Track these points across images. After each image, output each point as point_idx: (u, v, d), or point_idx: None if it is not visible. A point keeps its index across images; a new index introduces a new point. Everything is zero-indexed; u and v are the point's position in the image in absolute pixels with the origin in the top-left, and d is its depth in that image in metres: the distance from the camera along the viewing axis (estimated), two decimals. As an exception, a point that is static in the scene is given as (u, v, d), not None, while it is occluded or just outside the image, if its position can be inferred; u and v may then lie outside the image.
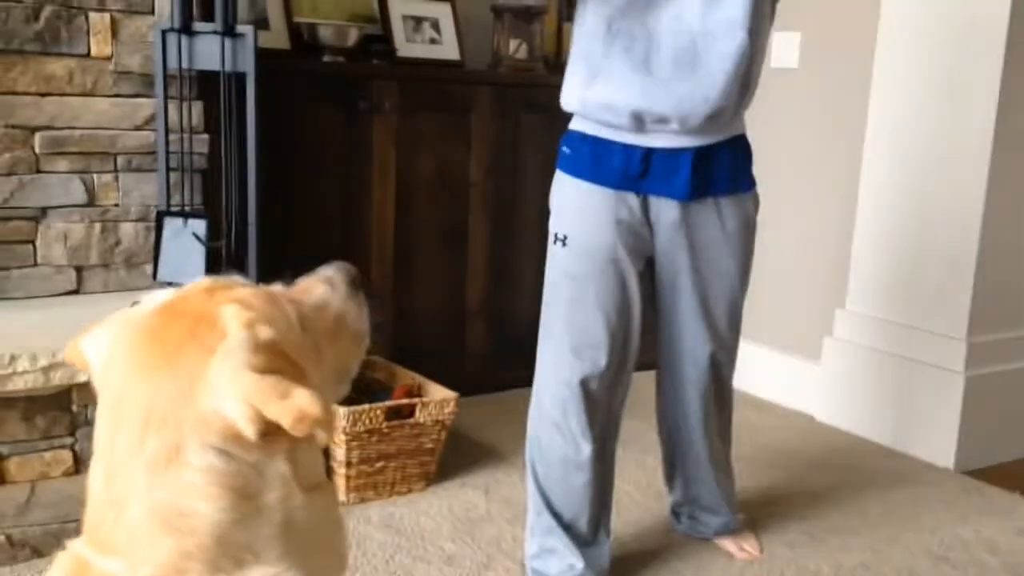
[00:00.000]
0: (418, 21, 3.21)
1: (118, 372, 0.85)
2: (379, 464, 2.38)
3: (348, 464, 2.34)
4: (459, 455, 2.65)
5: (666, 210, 1.90)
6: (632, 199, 1.89)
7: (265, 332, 0.83)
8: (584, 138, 1.91)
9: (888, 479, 2.71)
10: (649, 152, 1.86)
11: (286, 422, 0.78)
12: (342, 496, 2.36)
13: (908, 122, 2.88)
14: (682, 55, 1.76)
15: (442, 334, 3.12)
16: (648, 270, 1.97)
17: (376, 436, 2.35)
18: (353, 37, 2.93)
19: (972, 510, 2.53)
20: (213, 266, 2.40)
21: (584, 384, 1.91)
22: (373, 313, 1.02)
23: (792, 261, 3.27)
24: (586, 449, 1.93)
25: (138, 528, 0.81)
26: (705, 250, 1.95)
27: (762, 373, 3.34)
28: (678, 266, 1.95)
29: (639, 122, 1.83)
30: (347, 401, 2.40)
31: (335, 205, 2.88)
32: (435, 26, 3.24)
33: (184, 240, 2.37)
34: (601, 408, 1.95)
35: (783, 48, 3.22)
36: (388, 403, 2.40)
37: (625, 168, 1.87)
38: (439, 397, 2.46)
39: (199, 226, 2.37)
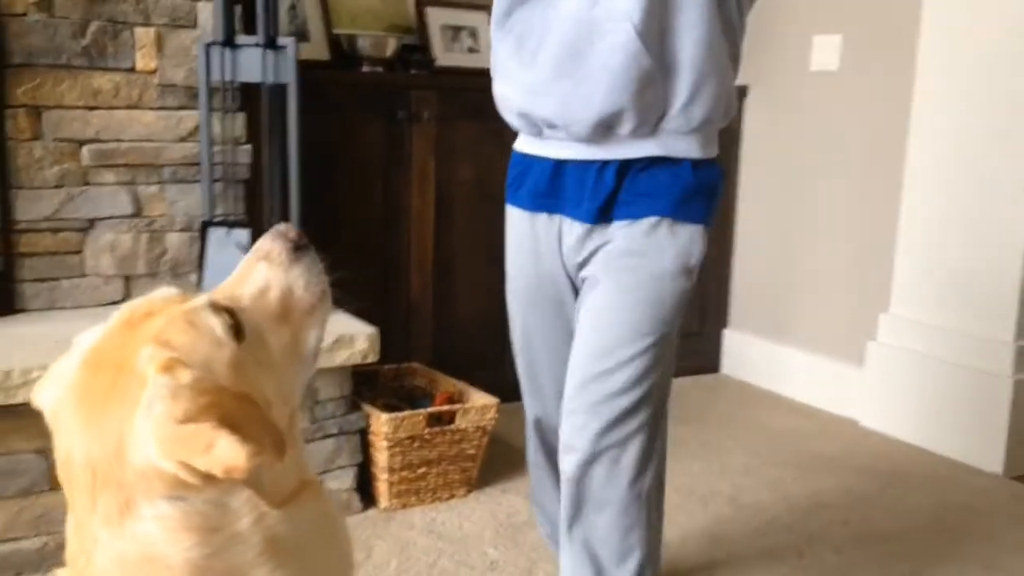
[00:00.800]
0: (456, 30, 3.23)
1: (61, 429, 0.84)
2: (421, 470, 2.39)
3: (390, 470, 2.35)
4: (500, 461, 2.65)
5: (570, 233, 1.63)
6: (544, 221, 1.66)
7: (184, 375, 0.78)
8: (513, 155, 1.74)
9: (936, 485, 2.67)
10: (558, 165, 1.63)
11: (217, 473, 0.75)
12: (384, 502, 2.38)
13: (951, 124, 2.85)
14: (565, 48, 1.51)
15: (482, 341, 3.13)
16: None
17: (418, 442, 2.36)
18: (391, 47, 2.96)
19: (1022, 516, 2.49)
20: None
21: (537, 424, 1.81)
22: (324, 270, 0.94)
23: (834, 264, 3.24)
24: (552, 486, 1.84)
25: (109, 574, 0.80)
26: (598, 287, 1.60)
27: (805, 378, 3.31)
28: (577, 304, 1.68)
29: (532, 126, 1.62)
30: (388, 407, 2.42)
31: (375, 213, 2.90)
32: (473, 35, 3.26)
33: (228, 250, 2.40)
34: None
35: (823, 51, 3.20)
36: (429, 409, 2.42)
37: (535, 185, 1.66)
38: (480, 403, 2.47)
39: (242, 236, 2.40)
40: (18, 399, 1.95)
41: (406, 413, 2.36)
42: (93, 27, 2.31)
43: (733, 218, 3.56)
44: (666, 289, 1.56)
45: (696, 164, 1.57)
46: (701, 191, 1.58)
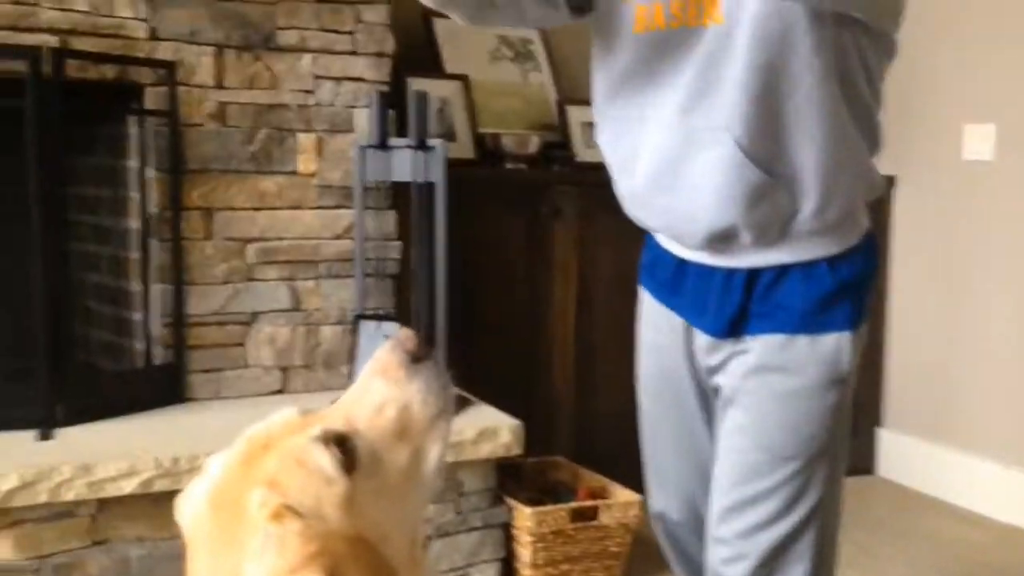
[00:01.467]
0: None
1: (191, 555, 0.85)
2: (564, 567, 2.38)
3: (534, 566, 2.34)
4: (645, 561, 2.60)
5: (701, 335, 1.45)
6: (672, 317, 1.48)
7: (292, 524, 0.78)
8: (647, 235, 1.56)
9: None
10: (681, 264, 1.45)
11: None
12: (527, 597, 2.36)
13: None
14: (661, 161, 1.34)
15: (624, 435, 3.09)
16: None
17: (561, 538, 2.35)
18: (534, 144, 3.05)
19: None
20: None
21: (660, 518, 1.63)
22: (447, 381, 0.89)
23: (1003, 363, 3.08)
24: None
25: None
26: (734, 407, 1.42)
27: (970, 482, 3.13)
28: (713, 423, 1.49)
29: (649, 229, 1.47)
30: (532, 501, 2.42)
31: (518, 306, 2.96)
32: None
33: (377, 342, 2.47)
34: (688, 558, 1.62)
35: (976, 140, 3.11)
36: (573, 504, 2.41)
37: (663, 276, 1.49)
38: (623, 499, 2.45)
39: (391, 328, 2.48)
40: (184, 485, 2.05)
41: (550, 508, 2.36)
42: (261, 134, 2.49)
43: (885, 311, 3.45)
44: (813, 407, 1.37)
45: (834, 262, 1.37)
46: (844, 292, 1.38)
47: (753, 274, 1.38)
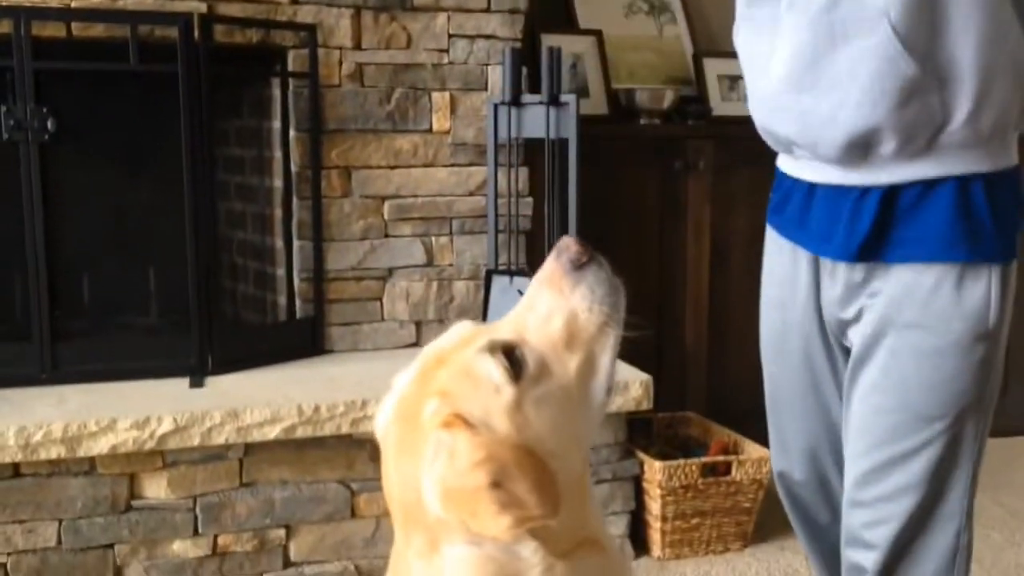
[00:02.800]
0: (733, 80, 3.22)
1: (384, 465, 0.91)
2: (694, 520, 2.37)
3: (663, 519, 2.35)
4: (778, 517, 2.56)
5: (833, 280, 1.36)
6: (802, 257, 1.39)
7: (461, 434, 0.81)
8: (776, 171, 1.48)
9: None
10: (811, 189, 1.35)
11: (496, 533, 0.79)
12: (657, 551, 2.38)
13: None
14: (800, 56, 1.23)
15: (757, 392, 3.04)
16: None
17: (691, 492, 2.35)
18: (669, 99, 3.01)
19: None
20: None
21: (781, 478, 1.57)
22: (612, 282, 0.86)
23: None
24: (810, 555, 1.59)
25: None
26: (870, 361, 1.33)
27: None
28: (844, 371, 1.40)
29: (779, 143, 1.37)
30: (662, 456, 2.43)
31: (651, 263, 2.94)
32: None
33: (510, 297, 2.52)
34: (810, 519, 1.56)
35: None
36: (704, 459, 2.40)
37: (793, 211, 1.40)
38: (756, 455, 2.42)
39: (524, 284, 2.51)
40: (325, 432, 2.15)
41: (680, 462, 2.35)
42: (397, 94, 2.54)
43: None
44: (959, 365, 1.27)
45: (989, 181, 1.25)
46: (999, 218, 1.25)
47: (893, 191, 1.26)
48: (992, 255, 1.25)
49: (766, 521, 2.50)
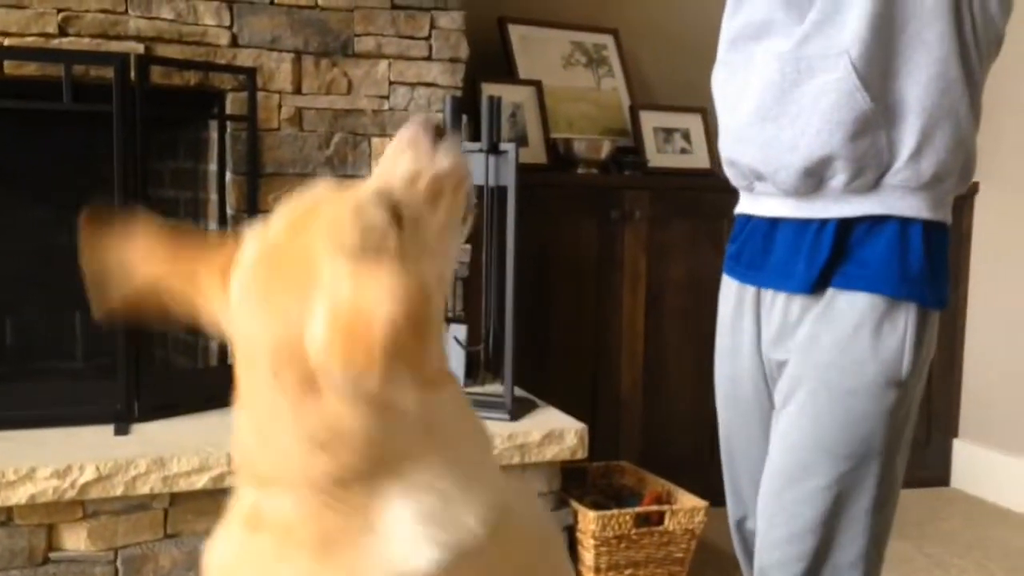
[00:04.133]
0: (669, 132, 3.29)
1: (243, 319, 0.90)
2: (627, 571, 2.37)
3: (597, 570, 2.34)
4: (709, 568, 2.58)
5: (769, 320, 1.44)
6: (750, 299, 1.47)
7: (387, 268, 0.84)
8: (735, 219, 1.58)
9: None
10: (771, 225, 1.44)
11: (375, 375, 0.79)
12: (590, 602, 2.36)
13: None
14: (769, 90, 1.37)
15: (691, 441, 3.08)
16: None
17: (625, 542, 2.35)
18: (606, 149, 3.05)
19: None
20: (471, 368, 2.53)
21: (738, 527, 1.60)
22: (462, 153, 0.97)
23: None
24: None
25: (292, 452, 0.86)
26: (790, 389, 1.41)
27: (1013, 484, 3.03)
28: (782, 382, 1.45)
29: (742, 178, 1.48)
30: (596, 505, 2.42)
31: (587, 310, 2.96)
32: (685, 136, 3.30)
33: (446, 343, 2.52)
34: None
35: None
36: (637, 509, 2.40)
37: (751, 251, 1.48)
38: (689, 505, 2.43)
39: (460, 331, 2.51)
40: (255, 480, 2.11)
41: (614, 512, 2.35)
42: (336, 139, 2.54)
43: (963, 321, 3.36)
44: (868, 408, 1.34)
45: (926, 228, 1.35)
46: (930, 263, 1.36)
47: (846, 225, 1.37)
48: (918, 295, 1.35)
49: (698, 572, 2.50)
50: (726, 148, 1.48)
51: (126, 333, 2.22)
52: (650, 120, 3.27)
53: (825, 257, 1.36)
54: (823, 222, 1.37)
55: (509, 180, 2.48)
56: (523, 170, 2.57)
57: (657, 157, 3.22)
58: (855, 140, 1.32)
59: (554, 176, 3.02)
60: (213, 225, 2.49)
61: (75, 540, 2.03)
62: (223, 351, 2.49)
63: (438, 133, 0.96)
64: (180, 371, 2.64)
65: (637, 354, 3.01)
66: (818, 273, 1.37)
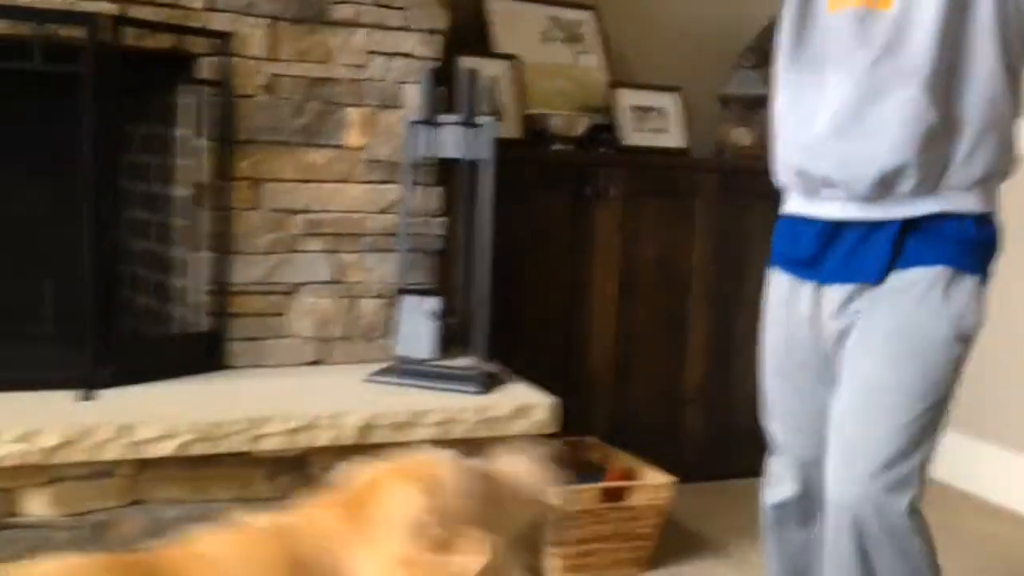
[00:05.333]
0: (645, 111, 3.29)
1: None
2: (593, 545, 2.39)
3: (562, 544, 2.36)
4: (674, 544, 2.61)
5: (831, 300, 1.63)
6: (807, 292, 1.66)
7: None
8: (781, 220, 1.78)
9: None
10: (834, 228, 1.62)
11: None
12: (556, 575, 2.38)
13: None
14: (846, 110, 1.55)
15: (660, 418, 3.11)
16: None
17: (590, 517, 2.36)
18: (581, 126, 3.05)
19: None
20: (443, 342, 2.53)
21: (782, 496, 1.81)
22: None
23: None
24: None
25: None
26: (855, 343, 1.60)
27: (1002, 478, 3.09)
28: (837, 368, 1.65)
29: (809, 184, 1.64)
30: (566, 481, 2.44)
31: (559, 286, 2.96)
32: (661, 115, 3.30)
33: (419, 317, 2.51)
34: (785, 541, 1.82)
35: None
36: (603, 484, 2.42)
37: (804, 251, 1.66)
38: (655, 481, 2.45)
39: (433, 303, 2.50)
40: (221, 449, 2.10)
41: (580, 486, 2.37)
42: (311, 107, 2.51)
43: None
44: (939, 357, 1.55)
45: (977, 219, 1.57)
46: (984, 247, 1.58)
47: (907, 224, 1.56)
48: (976, 269, 1.57)
49: (664, 548, 2.53)
50: (798, 160, 1.64)
51: (94, 299, 2.20)
52: (626, 98, 3.27)
53: (888, 252, 1.56)
54: (890, 222, 1.57)
55: (485, 154, 2.47)
56: (498, 145, 2.56)
57: (632, 136, 3.22)
58: (925, 152, 1.51)
59: (529, 152, 3.02)
60: (184, 191, 2.46)
61: (38, 505, 2.01)
62: (192, 320, 2.47)
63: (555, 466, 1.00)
64: (148, 339, 2.61)
65: (608, 331, 3.02)
66: (886, 267, 1.57)
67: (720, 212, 3.14)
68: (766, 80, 3.39)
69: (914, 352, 1.54)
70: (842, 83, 1.55)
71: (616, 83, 3.28)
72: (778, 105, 1.70)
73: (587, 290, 2.99)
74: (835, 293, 1.61)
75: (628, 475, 2.54)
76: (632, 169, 3.05)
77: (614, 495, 2.41)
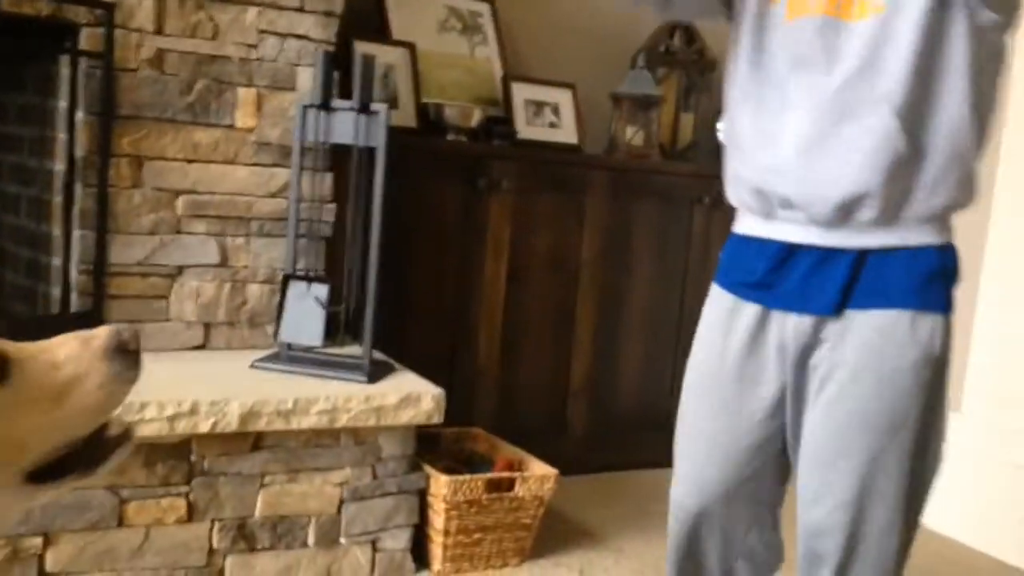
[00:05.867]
0: (539, 106, 3.31)
1: None
2: (476, 535, 2.40)
3: (446, 533, 2.36)
4: (555, 534, 2.64)
5: (792, 327, 1.55)
6: (751, 312, 1.58)
7: None
8: (731, 237, 1.68)
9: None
10: (788, 250, 1.54)
11: None
12: (437, 565, 2.39)
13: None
14: (812, 130, 1.47)
15: (545, 410, 3.14)
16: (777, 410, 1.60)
17: (475, 507, 2.38)
18: (476, 117, 3.05)
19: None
20: (331, 330, 2.50)
21: (691, 508, 1.68)
22: (129, 385, 0.89)
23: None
24: None
25: None
26: (832, 381, 1.52)
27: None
28: (804, 401, 1.57)
29: (765, 205, 1.55)
30: (448, 470, 2.44)
31: (449, 277, 2.96)
32: (555, 111, 3.34)
33: (306, 303, 2.47)
34: (696, 557, 1.69)
35: None
36: (489, 475, 2.43)
37: (752, 271, 1.58)
38: (539, 473, 2.48)
39: (321, 290, 2.47)
40: (97, 434, 2.03)
41: (466, 477, 2.38)
42: (199, 85, 2.44)
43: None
44: (907, 385, 1.48)
45: (939, 250, 1.51)
46: (944, 277, 1.51)
47: (862, 255, 1.49)
48: (938, 307, 1.51)
49: (544, 538, 2.57)
50: (755, 179, 1.55)
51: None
52: (521, 92, 3.28)
53: (843, 283, 1.49)
54: (844, 251, 1.49)
55: (379, 141, 2.45)
56: (392, 132, 2.54)
57: (526, 129, 3.24)
58: (890, 180, 1.45)
59: (423, 141, 3.00)
60: (60, 166, 2.36)
61: None
62: (67, 300, 2.37)
63: (124, 353, 0.88)
64: (18, 318, 2.50)
65: (496, 322, 3.04)
66: (841, 299, 1.49)
67: (610, 208, 3.19)
68: (658, 81, 3.48)
69: (881, 382, 1.48)
70: (806, 101, 1.47)
71: (512, 77, 3.29)
72: (735, 120, 1.60)
73: (477, 281, 3.00)
74: (791, 321, 1.53)
75: (514, 466, 2.56)
76: (526, 163, 3.07)
77: (500, 486, 2.42)
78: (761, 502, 1.64)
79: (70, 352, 0.86)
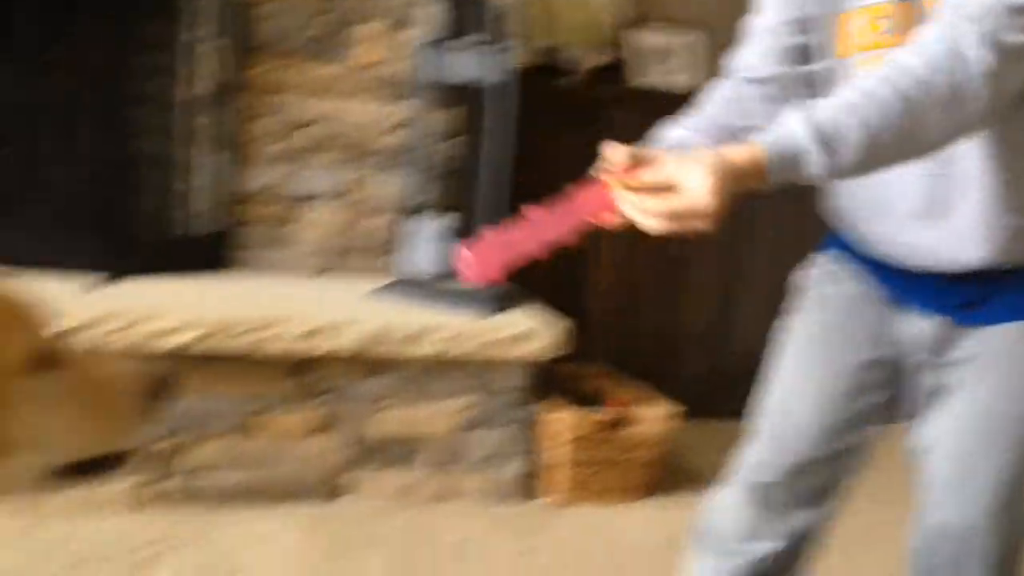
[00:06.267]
0: (659, 53, 3.26)
1: None
2: (593, 469, 2.39)
3: (562, 467, 2.36)
4: (676, 474, 2.60)
5: (913, 324, 1.49)
6: (873, 295, 1.52)
7: None
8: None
9: None
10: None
11: None
12: (553, 498, 2.38)
13: None
14: (921, 204, 1.40)
15: (667, 349, 3.12)
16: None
17: (593, 442, 2.37)
18: (595, 62, 3.02)
19: None
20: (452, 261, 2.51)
21: (757, 492, 1.62)
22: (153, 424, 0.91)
23: None
24: None
25: None
26: (971, 382, 1.46)
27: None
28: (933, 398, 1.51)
29: (864, 247, 1.50)
30: (568, 405, 2.43)
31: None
32: (684, 54, 3.28)
33: (426, 234, 2.50)
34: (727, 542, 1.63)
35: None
36: (608, 410, 2.42)
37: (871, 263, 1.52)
38: (660, 411, 2.45)
39: (444, 222, 2.49)
40: (229, 347, 2.10)
41: (584, 411, 2.37)
42: (325, 20, 2.47)
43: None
44: None
45: None
46: None
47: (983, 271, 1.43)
48: None
49: (664, 477, 2.53)
50: (866, 248, 1.48)
51: (100, 198, 2.17)
52: (638, 38, 3.23)
53: (968, 292, 1.42)
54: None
55: (500, 77, 2.44)
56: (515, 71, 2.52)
57: (644, 77, 3.19)
58: (1010, 250, 1.38)
59: (543, 81, 2.98)
60: (194, 94, 2.42)
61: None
62: (195, 222, 2.43)
63: (156, 394, 0.92)
64: (150, 240, 2.58)
65: (619, 261, 3.01)
66: (960, 303, 1.42)
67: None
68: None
69: (1013, 399, 1.42)
70: (913, 177, 1.36)
71: (631, 22, 3.24)
72: (839, 192, 1.49)
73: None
74: (918, 319, 1.46)
75: (632, 403, 2.54)
76: (642, 109, 3.02)
77: (619, 422, 2.40)
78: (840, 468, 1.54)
79: (116, 372, 0.91)
